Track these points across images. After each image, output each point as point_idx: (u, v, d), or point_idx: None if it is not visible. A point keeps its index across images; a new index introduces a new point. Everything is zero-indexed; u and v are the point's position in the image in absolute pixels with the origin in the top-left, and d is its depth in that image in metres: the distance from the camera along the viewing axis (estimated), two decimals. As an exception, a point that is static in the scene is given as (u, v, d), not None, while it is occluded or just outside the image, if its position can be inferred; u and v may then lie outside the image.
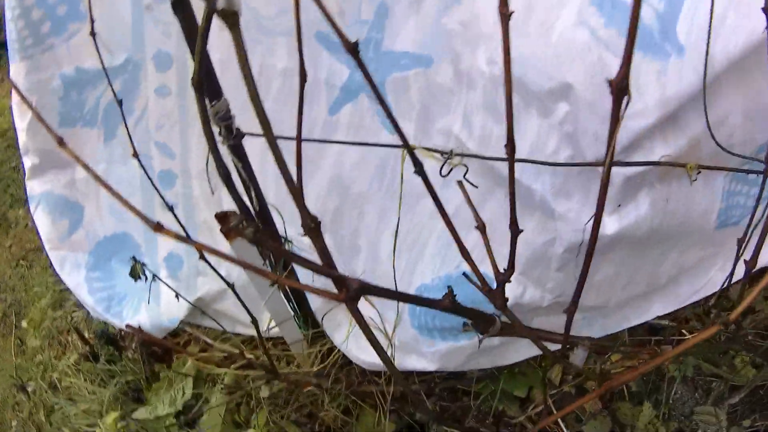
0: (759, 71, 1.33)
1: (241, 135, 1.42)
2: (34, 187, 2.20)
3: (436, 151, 1.39)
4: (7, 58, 2.06)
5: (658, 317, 1.80)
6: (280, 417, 1.97)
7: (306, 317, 1.93)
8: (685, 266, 1.70)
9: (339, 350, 1.92)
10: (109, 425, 2.00)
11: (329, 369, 1.90)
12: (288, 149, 0.87)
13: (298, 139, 1.04)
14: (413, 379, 1.93)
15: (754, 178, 1.54)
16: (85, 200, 2.21)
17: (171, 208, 1.56)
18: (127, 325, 1.25)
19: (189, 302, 1.92)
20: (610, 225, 1.42)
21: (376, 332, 0.94)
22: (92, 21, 1.39)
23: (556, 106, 1.37)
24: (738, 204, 1.59)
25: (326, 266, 0.94)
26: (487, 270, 1.13)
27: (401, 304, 1.72)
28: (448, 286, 1.04)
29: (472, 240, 1.14)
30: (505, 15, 0.84)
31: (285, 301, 1.82)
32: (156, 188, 1.55)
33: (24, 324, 2.88)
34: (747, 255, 1.30)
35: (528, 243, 1.51)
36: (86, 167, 1.07)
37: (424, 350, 1.73)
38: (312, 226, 0.91)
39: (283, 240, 1.69)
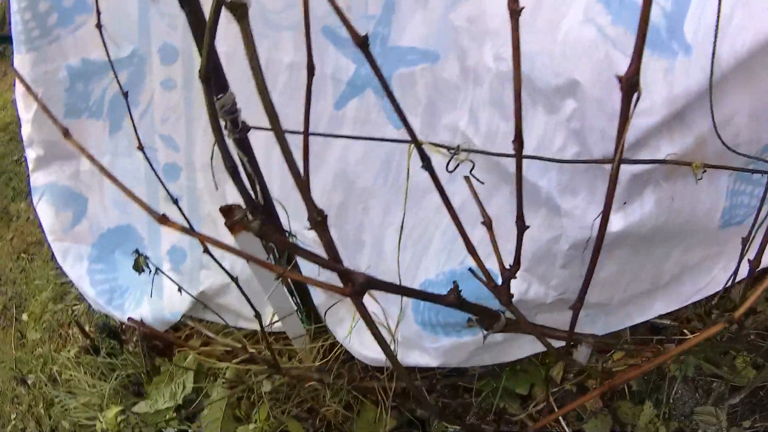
0: (765, 71, 1.34)
1: (246, 128, 1.42)
2: (38, 178, 2.19)
3: (443, 146, 1.39)
4: (10, 53, 2.05)
5: (660, 316, 1.80)
6: (281, 412, 1.96)
7: (309, 312, 1.93)
8: (689, 265, 1.70)
9: (341, 346, 1.92)
10: (110, 419, 2.00)
11: (331, 364, 1.90)
12: (294, 143, 0.87)
13: (306, 133, 1.04)
14: (415, 376, 1.93)
15: (758, 177, 1.54)
16: (89, 192, 2.21)
17: (175, 201, 1.56)
18: (129, 318, 1.25)
19: (192, 296, 1.92)
20: (615, 222, 1.42)
21: (379, 328, 0.94)
22: (98, 13, 1.39)
23: (563, 103, 1.37)
24: (742, 203, 1.59)
25: (332, 260, 0.94)
26: (492, 266, 1.13)
27: (405, 299, 1.72)
28: (454, 282, 1.04)
29: (476, 236, 1.14)
30: (514, 11, 0.84)
31: (288, 295, 1.82)
32: (160, 180, 1.54)
33: (24, 317, 2.88)
34: (751, 254, 1.30)
35: (533, 240, 1.51)
36: (91, 158, 1.07)
37: (427, 346, 1.72)
38: (318, 220, 0.91)
39: (287, 234, 1.69)
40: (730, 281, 1.58)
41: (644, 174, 1.37)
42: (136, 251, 1.65)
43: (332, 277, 0.83)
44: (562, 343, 1.50)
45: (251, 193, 1.52)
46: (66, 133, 1.17)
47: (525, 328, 1.27)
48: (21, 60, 1.98)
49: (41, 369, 2.57)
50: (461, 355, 1.73)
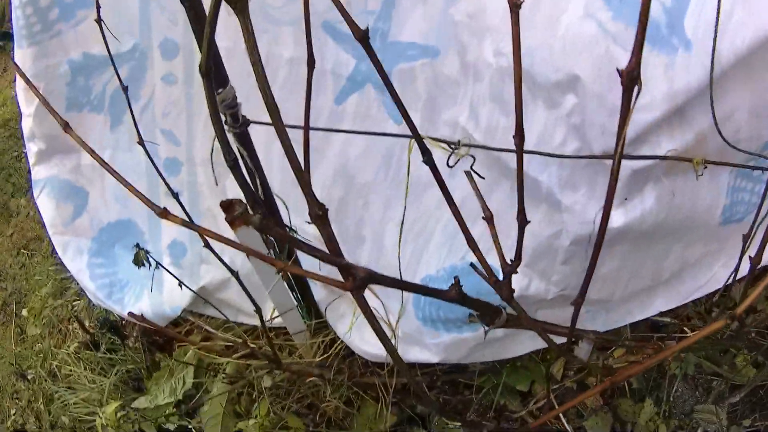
0: (765, 68, 1.34)
1: (247, 123, 1.42)
2: (39, 171, 2.20)
3: (443, 141, 1.39)
4: (10, 49, 2.06)
5: (661, 313, 1.80)
6: (281, 407, 1.97)
7: (309, 307, 1.93)
8: (689, 262, 1.70)
9: (342, 341, 1.92)
10: (109, 414, 2.00)
11: (332, 360, 1.90)
12: (294, 138, 0.87)
13: (306, 126, 1.04)
14: (415, 372, 1.93)
15: (758, 174, 1.55)
16: (90, 186, 2.21)
17: (176, 195, 1.56)
18: (130, 313, 1.25)
19: (192, 291, 1.92)
20: (616, 218, 1.42)
21: (379, 323, 0.94)
22: (98, 7, 1.39)
23: (564, 98, 1.37)
24: (743, 200, 1.59)
25: (333, 254, 0.93)
26: (493, 261, 1.13)
27: (405, 295, 1.72)
28: (455, 277, 1.04)
29: (477, 231, 1.14)
30: (514, 5, 0.84)
31: (289, 291, 1.82)
32: (161, 175, 1.54)
33: (24, 312, 2.88)
34: (752, 251, 1.30)
35: (534, 235, 1.51)
36: (91, 151, 1.07)
37: (428, 342, 1.72)
38: (319, 214, 0.91)
39: (287, 229, 1.69)
40: (731, 278, 1.58)
41: (645, 170, 1.37)
42: (137, 245, 1.65)
43: (333, 272, 0.83)
44: (563, 340, 1.50)
45: (252, 187, 1.52)
46: (66, 126, 1.18)
47: (526, 323, 1.27)
48: (22, 54, 1.99)
49: (41, 364, 2.57)
50: (462, 351, 1.74)
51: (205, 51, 0.93)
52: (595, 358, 1.91)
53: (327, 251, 0.91)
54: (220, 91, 1.32)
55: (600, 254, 1.08)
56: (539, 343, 1.78)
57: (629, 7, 1.30)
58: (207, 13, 0.85)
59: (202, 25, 1.15)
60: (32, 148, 2.18)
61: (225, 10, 0.76)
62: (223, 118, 1.36)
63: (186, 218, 1.05)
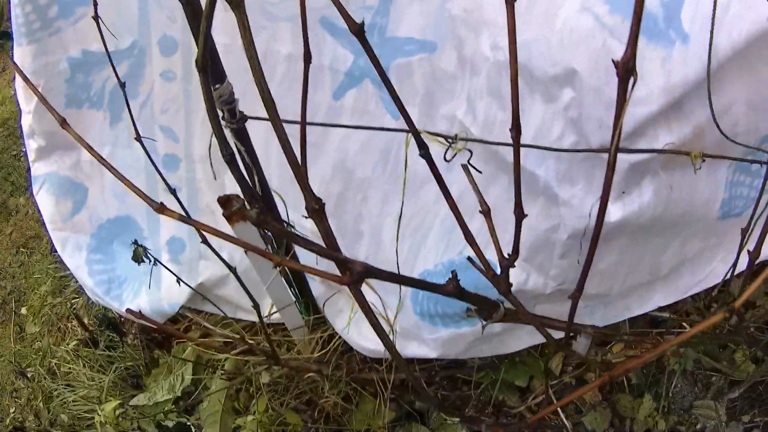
0: (762, 61, 1.34)
1: (244, 118, 1.42)
2: (38, 168, 2.20)
3: (440, 135, 1.39)
4: (9, 48, 2.07)
5: (660, 308, 1.80)
6: (279, 404, 1.97)
7: (307, 303, 1.93)
8: (688, 256, 1.70)
9: (340, 337, 1.92)
10: (108, 412, 2.00)
11: (330, 355, 1.90)
12: (292, 134, 0.87)
13: (303, 121, 1.04)
14: (414, 368, 1.93)
15: (757, 168, 1.54)
16: (90, 182, 2.22)
17: (173, 191, 1.56)
18: (128, 310, 1.25)
19: (190, 287, 1.92)
20: (614, 212, 1.42)
21: (377, 318, 0.94)
22: (95, 4, 1.39)
23: (561, 92, 1.37)
24: (741, 195, 1.59)
25: (330, 249, 0.93)
26: (490, 256, 1.13)
27: (403, 290, 1.72)
28: (452, 271, 1.04)
29: (474, 226, 1.14)
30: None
31: (287, 286, 1.82)
32: (158, 171, 1.54)
33: (23, 310, 2.89)
34: (750, 245, 1.30)
35: (531, 229, 1.51)
36: (88, 147, 1.07)
37: (426, 337, 1.72)
38: (316, 208, 0.91)
39: (285, 225, 1.69)
40: (730, 273, 1.58)
41: (642, 163, 1.37)
42: (135, 242, 1.65)
43: (331, 268, 0.83)
44: (561, 335, 1.50)
45: (249, 183, 1.52)
46: (63, 122, 1.18)
47: (524, 318, 1.27)
48: (22, 52, 2.00)
49: (40, 362, 2.58)
50: (460, 346, 1.73)
51: (202, 46, 0.93)
52: (594, 354, 1.91)
53: (324, 246, 0.91)
54: (217, 86, 1.32)
55: (598, 249, 1.08)
56: (537, 339, 1.78)
57: (626, 1, 1.30)
58: (203, 9, 0.85)
59: (199, 21, 1.15)
60: (32, 145, 2.19)
61: (222, 6, 0.76)
62: (220, 113, 1.36)
63: (183, 214, 1.05)
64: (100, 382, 2.28)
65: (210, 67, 1.30)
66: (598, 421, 1.89)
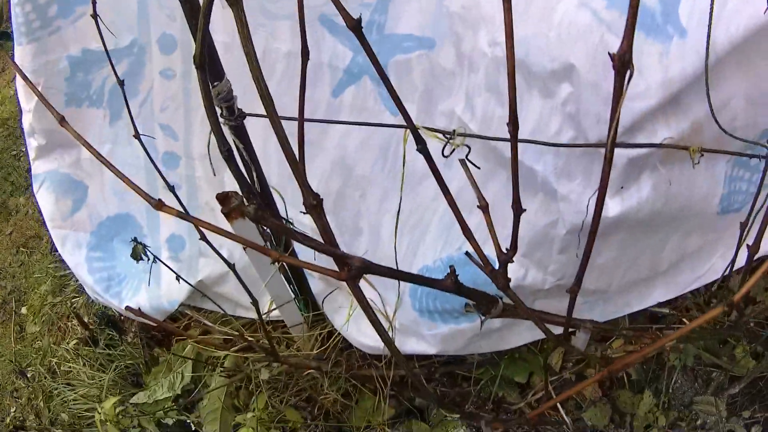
0: (760, 56, 1.34)
1: (242, 115, 1.42)
2: (39, 166, 2.22)
3: (438, 131, 1.39)
4: (10, 48, 2.07)
5: (659, 304, 1.79)
6: (279, 401, 1.97)
7: (306, 300, 1.93)
8: (687, 252, 1.70)
9: (339, 334, 1.92)
10: (108, 410, 2.00)
11: (329, 352, 1.91)
12: (291, 131, 0.87)
13: (301, 117, 1.04)
14: (413, 364, 1.93)
15: (756, 163, 1.54)
16: (90, 180, 2.22)
17: (172, 188, 1.56)
18: (127, 307, 1.25)
19: (190, 284, 1.93)
20: (612, 207, 1.42)
21: (376, 314, 0.94)
22: (94, 2, 1.39)
23: (559, 87, 1.37)
24: (740, 190, 1.59)
25: (328, 244, 0.94)
26: (489, 252, 1.13)
27: (402, 286, 1.72)
28: (450, 266, 1.04)
29: (473, 222, 1.14)
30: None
31: (286, 283, 1.83)
32: (157, 168, 1.55)
33: (24, 310, 2.89)
34: (749, 240, 1.30)
35: (530, 224, 1.51)
36: (87, 145, 1.07)
37: (425, 333, 1.73)
38: (314, 204, 0.91)
39: (283, 221, 1.69)
40: (729, 268, 1.58)
41: (641, 158, 1.37)
42: (134, 239, 1.66)
43: (330, 264, 0.83)
44: (561, 330, 1.50)
45: (248, 179, 1.52)
46: (62, 120, 1.18)
47: (522, 313, 1.27)
48: (22, 51, 2.01)
49: (40, 361, 2.58)
50: (459, 342, 1.74)
51: (200, 42, 0.93)
52: (594, 350, 1.91)
53: (322, 242, 0.92)
54: (215, 84, 1.33)
55: (596, 244, 1.08)
56: (537, 334, 1.78)
57: (623, -4, 1.30)
58: (201, 6, 0.86)
59: (198, 19, 1.15)
60: (32, 144, 2.20)
61: (221, 4, 0.77)
62: (218, 111, 1.36)
63: (182, 210, 1.05)
64: (100, 381, 2.29)
65: (208, 65, 1.30)
66: (598, 416, 1.89)
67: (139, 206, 2.18)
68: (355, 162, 1.77)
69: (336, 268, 0.88)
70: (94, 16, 1.39)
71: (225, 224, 1.53)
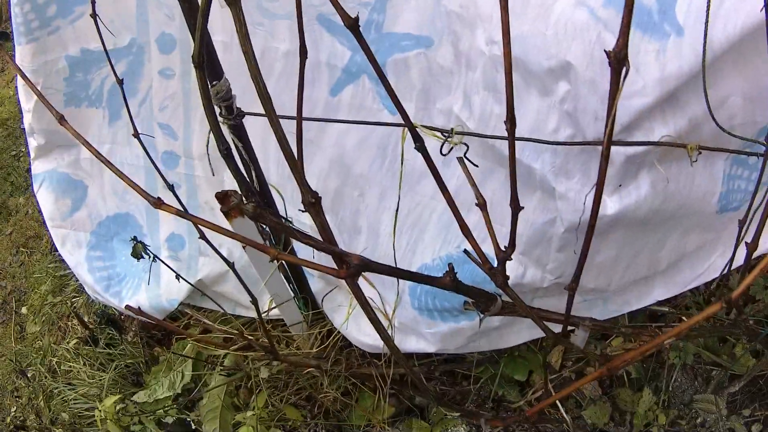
0: (757, 54, 1.34)
1: (241, 114, 1.42)
2: (38, 166, 2.22)
3: (436, 129, 1.39)
4: (11, 48, 2.08)
5: (659, 303, 1.79)
6: (279, 400, 1.97)
7: (306, 299, 1.94)
8: (686, 251, 1.70)
9: (339, 332, 1.92)
10: (108, 407, 2.00)
11: (329, 351, 1.91)
12: (289, 130, 0.88)
13: (299, 114, 1.05)
14: (413, 363, 1.93)
15: (755, 162, 1.54)
16: (89, 180, 2.23)
17: (171, 187, 1.56)
18: (127, 306, 1.26)
19: (189, 283, 1.93)
20: (610, 205, 1.42)
21: (375, 313, 0.94)
22: (93, 2, 1.39)
23: (557, 86, 1.37)
24: (739, 188, 1.59)
25: (327, 242, 0.94)
26: (488, 250, 1.13)
27: (402, 284, 1.72)
28: (449, 264, 1.05)
29: (472, 220, 1.14)
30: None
31: (285, 282, 1.83)
32: (156, 167, 1.55)
33: (24, 310, 2.89)
34: (749, 238, 1.30)
35: (529, 223, 1.51)
36: (86, 143, 1.08)
37: (424, 331, 1.73)
38: (312, 201, 0.91)
39: (283, 220, 1.70)
40: (729, 265, 1.58)
41: (638, 156, 1.37)
42: (134, 238, 1.66)
43: (329, 263, 0.83)
44: (560, 328, 1.50)
45: (246, 178, 1.53)
46: (61, 119, 1.18)
47: (521, 310, 1.27)
48: (21, 51, 2.02)
49: (41, 361, 2.58)
50: (458, 340, 1.74)
51: (198, 41, 0.94)
52: (593, 348, 1.92)
53: (321, 240, 0.92)
54: (214, 83, 1.33)
55: (595, 242, 1.08)
56: (536, 333, 1.78)
57: (620, -6, 1.30)
58: (200, 5, 0.86)
59: (196, 18, 1.16)
60: (32, 143, 2.21)
61: (219, 3, 0.77)
62: (217, 110, 1.36)
63: (181, 209, 1.05)
64: (101, 380, 2.29)
65: (207, 64, 1.31)
66: (598, 415, 1.89)
67: (139, 206, 2.19)
68: (354, 161, 1.77)
69: (335, 267, 0.88)
70: (93, 15, 1.40)
71: (224, 224, 1.54)
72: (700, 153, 1.33)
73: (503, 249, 1.11)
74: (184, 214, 0.91)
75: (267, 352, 1.45)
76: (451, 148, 1.38)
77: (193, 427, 2.10)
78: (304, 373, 1.93)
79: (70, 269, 2.35)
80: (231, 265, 1.50)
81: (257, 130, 1.52)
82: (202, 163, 2.02)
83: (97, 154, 1.07)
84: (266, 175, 1.60)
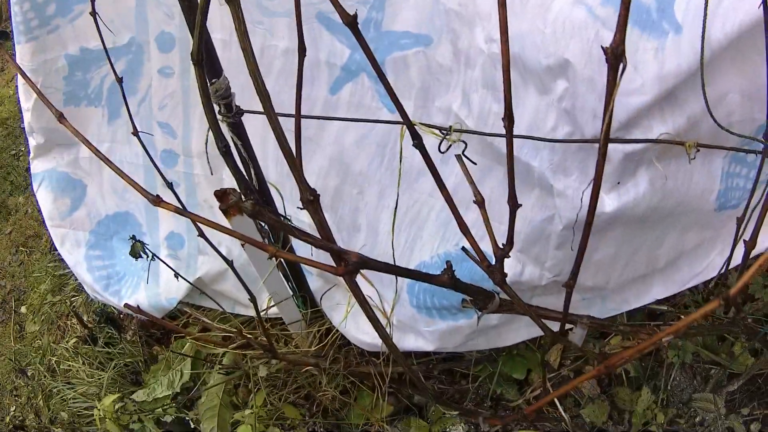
0: (756, 51, 1.34)
1: (240, 112, 1.42)
2: (37, 165, 2.23)
3: (435, 127, 1.39)
4: (11, 47, 2.08)
5: (658, 302, 1.80)
6: (278, 398, 1.97)
7: (305, 297, 1.94)
8: (685, 249, 1.70)
9: (337, 331, 1.92)
10: (107, 406, 2.00)
11: (327, 349, 1.91)
12: (289, 127, 0.88)
13: (297, 112, 1.05)
14: (411, 361, 1.93)
15: (753, 159, 1.54)
16: (88, 179, 2.23)
17: (170, 185, 1.56)
18: (126, 305, 1.26)
19: (189, 282, 1.93)
20: (609, 202, 1.42)
21: (374, 311, 0.94)
22: (92, 0, 1.39)
23: (555, 83, 1.37)
24: (737, 186, 1.59)
25: (325, 239, 0.94)
26: (486, 248, 1.13)
27: (400, 282, 1.72)
28: (447, 261, 1.05)
29: (470, 218, 1.14)
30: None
31: (284, 280, 1.83)
32: (155, 165, 1.55)
33: (23, 309, 2.90)
34: (747, 236, 1.30)
35: (527, 220, 1.51)
36: (86, 141, 1.08)
37: (423, 329, 1.73)
38: (311, 199, 0.91)
39: (282, 218, 1.70)
40: (727, 263, 1.58)
41: (637, 154, 1.37)
42: (133, 237, 1.66)
43: (329, 261, 0.83)
44: (558, 325, 1.50)
45: (245, 175, 1.53)
46: (61, 117, 1.18)
47: (519, 308, 1.27)
48: (21, 50, 2.02)
49: (40, 360, 2.58)
50: (457, 338, 1.74)
51: (197, 39, 0.94)
52: (592, 346, 1.92)
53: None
54: (213, 81, 1.33)
55: (594, 239, 1.09)
56: (534, 332, 1.78)
57: (618, -8, 1.30)
58: (199, 2, 0.86)
59: (195, 15, 1.16)
60: (31, 142, 2.21)
61: (218, 1, 0.77)
62: (216, 108, 1.36)
63: (180, 206, 1.06)
64: (100, 379, 2.29)
65: (206, 62, 1.31)
66: (596, 413, 1.89)
67: (138, 204, 2.19)
68: (353, 159, 1.77)
69: (333, 264, 0.88)
70: (93, 14, 1.40)
71: (224, 222, 1.54)
72: (699, 151, 1.33)
73: (501, 247, 1.11)
74: (183, 211, 0.92)
75: (266, 350, 1.45)
76: (450, 145, 1.38)
77: (192, 425, 2.10)
78: (303, 371, 1.93)
79: (69, 268, 2.35)
80: (230, 263, 1.50)
81: (256, 128, 1.52)
82: (201, 162, 2.02)
83: (96, 152, 1.07)
84: (265, 173, 1.61)
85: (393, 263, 1.63)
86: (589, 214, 1.02)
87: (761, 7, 1.20)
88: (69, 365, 2.42)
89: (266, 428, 1.96)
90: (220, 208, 1.40)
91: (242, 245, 1.68)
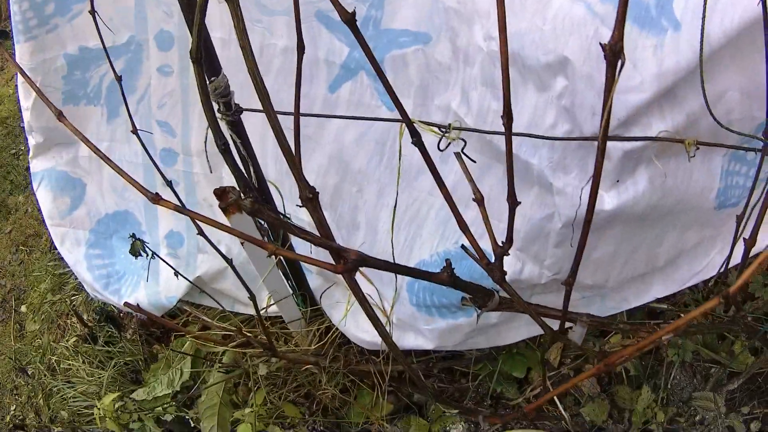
0: (755, 49, 1.33)
1: (239, 110, 1.42)
2: (37, 165, 2.23)
3: (434, 125, 1.39)
4: (10, 46, 2.09)
5: (658, 300, 1.79)
6: (277, 397, 1.97)
7: (304, 296, 1.94)
8: (685, 247, 1.70)
9: (337, 329, 1.92)
10: (107, 405, 2.00)
11: (327, 348, 1.91)
12: (288, 126, 0.88)
13: (296, 110, 1.05)
14: (411, 360, 1.93)
15: (753, 158, 1.54)
16: (88, 178, 2.23)
17: (170, 183, 1.56)
18: (126, 303, 1.26)
19: (188, 280, 1.93)
20: (608, 201, 1.42)
21: (373, 309, 0.94)
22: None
23: (554, 81, 1.37)
24: (737, 184, 1.59)
25: (324, 237, 0.94)
26: (485, 246, 1.13)
27: (400, 280, 1.72)
28: (446, 259, 1.05)
29: (469, 217, 1.14)
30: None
31: (283, 278, 1.83)
32: (154, 164, 1.55)
33: (23, 308, 2.90)
34: (747, 234, 1.30)
35: (526, 218, 1.51)
36: (85, 140, 1.08)
37: (422, 328, 1.73)
38: (310, 197, 0.91)
39: (281, 216, 1.70)
40: (727, 262, 1.58)
41: (636, 151, 1.37)
42: (132, 235, 1.66)
43: (328, 259, 0.83)
44: (558, 324, 1.50)
45: (245, 173, 1.53)
46: (60, 115, 1.18)
47: (519, 306, 1.27)
48: (20, 49, 2.03)
49: (40, 359, 2.59)
50: (456, 337, 1.74)
51: (196, 36, 0.94)
52: (592, 345, 1.92)
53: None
54: (212, 79, 1.33)
55: (593, 238, 1.08)
56: (534, 330, 1.78)
57: (617, -10, 1.30)
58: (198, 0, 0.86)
59: (194, 13, 1.16)
60: (31, 141, 2.21)
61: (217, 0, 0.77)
62: (215, 106, 1.36)
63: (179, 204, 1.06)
64: (100, 378, 2.29)
65: (205, 60, 1.31)
66: (596, 412, 1.89)
67: (138, 203, 2.19)
68: (352, 157, 1.77)
69: (333, 262, 0.88)
70: (92, 12, 1.40)
71: (223, 220, 1.54)
72: (698, 148, 1.33)
73: (501, 245, 1.11)
74: (182, 209, 0.92)
75: (265, 349, 1.45)
76: (449, 143, 1.38)
77: (192, 424, 2.10)
78: (303, 370, 1.93)
79: (69, 267, 2.35)
80: (229, 261, 1.50)
81: (255, 126, 1.52)
82: (201, 160, 2.02)
83: (96, 151, 1.07)
84: (264, 171, 1.61)
85: (392, 261, 1.63)
86: (588, 212, 1.02)
87: (760, 4, 1.21)
88: (69, 364, 2.43)
89: (266, 427, 1.96)
90: (219, 206, 1.40)
91: (242, 243, 1.68)
